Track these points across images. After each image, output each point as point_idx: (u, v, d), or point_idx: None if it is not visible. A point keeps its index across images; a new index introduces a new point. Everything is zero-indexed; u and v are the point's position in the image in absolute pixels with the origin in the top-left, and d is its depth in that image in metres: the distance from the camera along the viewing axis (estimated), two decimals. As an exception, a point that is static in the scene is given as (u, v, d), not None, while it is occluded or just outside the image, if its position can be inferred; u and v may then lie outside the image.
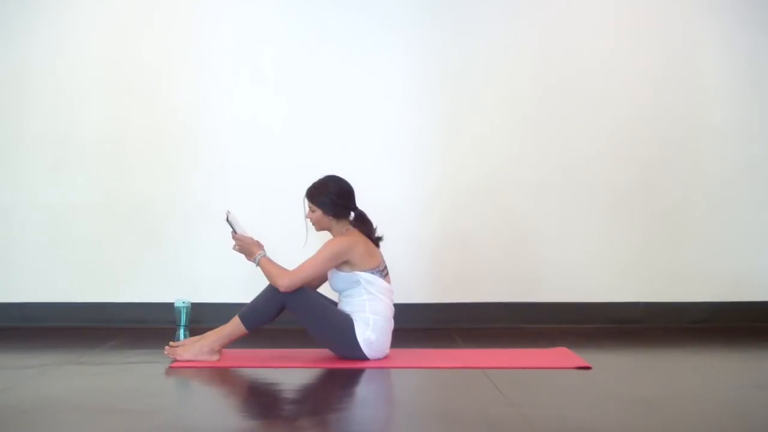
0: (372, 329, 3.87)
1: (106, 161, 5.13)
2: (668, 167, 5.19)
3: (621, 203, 5.17)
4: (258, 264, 3.91)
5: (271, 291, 3.87)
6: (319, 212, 3.98)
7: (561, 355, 4.08)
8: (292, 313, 3.88)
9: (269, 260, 3.91)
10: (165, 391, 3.48)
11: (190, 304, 4.91)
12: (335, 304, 4.00)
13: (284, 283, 3.82)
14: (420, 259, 5.10)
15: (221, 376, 3.70)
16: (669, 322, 5.11)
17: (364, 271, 3.90)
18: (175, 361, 3.87)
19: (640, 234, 5.17)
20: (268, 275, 3.88)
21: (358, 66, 5.16)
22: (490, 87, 5.17)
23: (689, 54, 5.21)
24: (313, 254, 3.90)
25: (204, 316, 4.84)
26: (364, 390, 3.58)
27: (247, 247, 3.95)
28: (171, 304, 4.92)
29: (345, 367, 3.81)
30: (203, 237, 5.09)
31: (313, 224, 4.05)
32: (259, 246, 3.95)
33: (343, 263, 3.90)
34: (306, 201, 4.03)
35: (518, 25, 5.19)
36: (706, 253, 5.17)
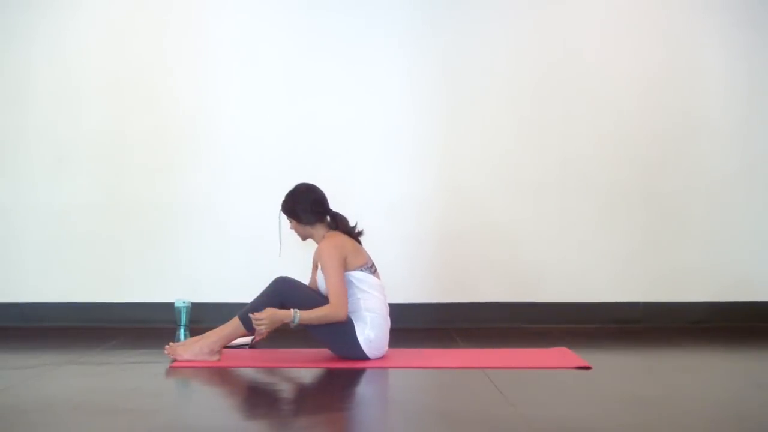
0: (370, 327, 3.87)
1: (107, 161, 5.12)
2: (668, 167, 5.19)
3: (621, 203, 5.17)
4: (299, 322, 3.79)
5: (270, 292, 3.87)
6: (295, 223, 4.01)
7: (561, 355, 4.08)
8: (292, 313, 3.88)
9: (306, 312, 3.79)
10: (165, 391, 3.48)
11: (190, 304, 4.91)
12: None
13: (342, 313, 3.78)
14: (420, 259, 5.10)
15: (221, 376, 3.70)
16: (669, 322, 5.11)
17: (354, 269, 3.90)
18: (175, 360, 3.87)
19: (639, 234, 5.17)
20: (321, 320, 3.79)
21: (357, 67, 5.16)
22: (488, 87, 5.17)
23: (688, 53, 5.21)
24: (326, 273, 3.85)
25: (204, 316, 4.84)
26: (364, 390, 3.58)
27: (277, 318, 3.80)
28: (171, 304, 4.91)
29: (345, 367, 3.80)
30: (203, 237, 5.09)
31: (298, 235, 4.07)
32: (282, 312, 3.80)
33: None
34: (281, 215, 4.05)
35: (517, 26, 5.19)
36: (706, 252, 5.17)
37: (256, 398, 3.45)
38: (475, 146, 5.16)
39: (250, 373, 3.77)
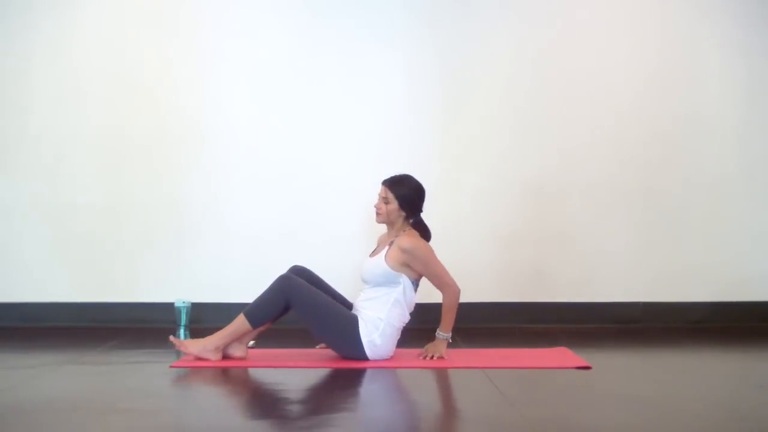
0: (380, 334, 3.87)
1: (107, 161, 5.13)
2: (668, 166, 5.19)
3: (621, 203, 5.17)
4: (450, 333, 3.94)
5: (275, 289, 3.86)
6: (395, 204, 3.96)
7: (561, 355, 4.08)
8: (295, 311, 3.87)
9: (446, 322, 3.93)
10: (166, 390, 3.48)
11: (190, 304, 4.92)
12: (344, 305, 3.99)
13: (456, 288, 3.91)
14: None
15: (222, 375, 3.70)
16: (669, 322, 5.11)
17: (411, 278, 3.91)
18: (179, 358, 3.87)
19: (640, 234, 5.17)
20: (455, 311, 3.93)
21: (357, 66, 5.16)
22: (489, 87, 5.18)
23: (689, 53, 5.22)
24: (430, 265, 3.90)
25: (204, 316, 4.84)
26: (366, 390, 3.58)
27: (442, 347, 3.93)
28: (171, 304, 4.92)
29: (346, 367, 3.81)
30: (203, 237, 5.09)
31: (378, 213, 4.01)
32: (440, 342, 3.94)
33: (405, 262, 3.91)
34: (384, 189, 3.99)
35: (517, 26, 5.20)
36: (706, 252, 5.17)
37: (257, 398, 3.45)
38: (475, 146, 5.17)
39: (251, 373, 3.77)
